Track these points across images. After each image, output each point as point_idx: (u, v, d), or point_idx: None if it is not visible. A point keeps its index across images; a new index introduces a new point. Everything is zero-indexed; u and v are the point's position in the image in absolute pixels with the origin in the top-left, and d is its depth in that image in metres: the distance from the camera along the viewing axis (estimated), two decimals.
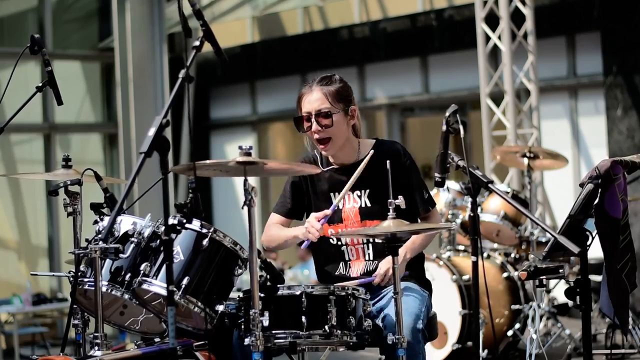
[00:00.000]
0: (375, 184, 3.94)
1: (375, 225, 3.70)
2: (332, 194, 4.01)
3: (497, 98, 9.19)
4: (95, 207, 3.94)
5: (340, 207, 3.99)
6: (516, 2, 9.05)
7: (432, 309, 3.97)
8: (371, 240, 3.96)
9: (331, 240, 4.02)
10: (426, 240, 4.01)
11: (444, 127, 3.53)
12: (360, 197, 3.98)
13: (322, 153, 4.08)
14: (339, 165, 4.05)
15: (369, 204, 3.96)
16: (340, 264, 4.02)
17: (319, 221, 3.84)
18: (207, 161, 3.42)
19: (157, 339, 3.93)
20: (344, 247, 4.01)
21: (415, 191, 3.97)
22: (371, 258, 3.98)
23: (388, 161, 3.64)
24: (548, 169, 8.48)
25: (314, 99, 3.96)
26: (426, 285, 4.05)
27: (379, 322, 3.74)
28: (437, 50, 10.70)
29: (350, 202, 3.99)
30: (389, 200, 3.58)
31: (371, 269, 3.97)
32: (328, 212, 3.87)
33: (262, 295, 3.45)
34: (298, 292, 3.50)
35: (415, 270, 4.04)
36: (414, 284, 3.97)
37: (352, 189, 3.98)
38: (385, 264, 3.87)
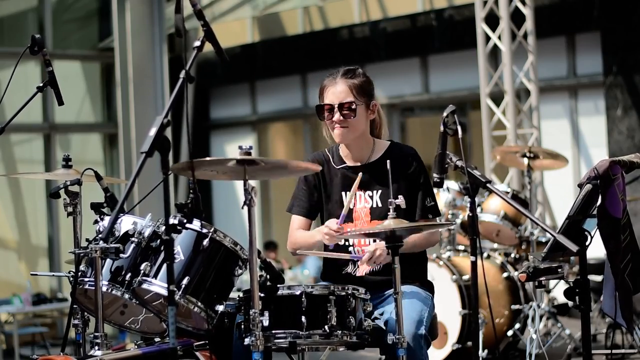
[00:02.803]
0: (387, 185, 3.94)
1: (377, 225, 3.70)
2: (343, 193, 4.02)
3: (497, 98, 9.19)
4: (96, 207, 3.94)
5: (351, 206, 4.00)
6: (516, 2, 9.05)
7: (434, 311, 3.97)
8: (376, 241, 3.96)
9: (339, 241, 4.02)
10: (422, 241, 3.98)
11: (442, 128, 3.54)
12: (371, 197, 3.99)
13: (334, 150, 4.08)
14: (352, 163, 4.05)
15: (380, 204, 3.97)
16: (349, 263, 4.02)
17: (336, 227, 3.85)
18: (207, 158, 3.40)
19: (157, 339, 3.94)
20: (351, 248, 4.02)
21: (419, 196, 3.96)
22: None
23: (388, 161, 3.65)
24: (548, 169, 8.48)
25: (339, 90, 3.97)
26: (429, 287, 4.05)
27: (381, 324, 3.73)
28: (437, 50, 10.70)
29: (361, 201, 4.00)
30: (389, 200, 3.59)
31: (376, 269, 3.97)
32: (339, 221, 3.87)
33: (262, 295, 3.45)
34: (298, 292, 3.50)
35: (418, 272, 4.03)
36: (417, 287, 3.96)
37: (364, 189, 3.99)
38: (373, 246, 3.85)
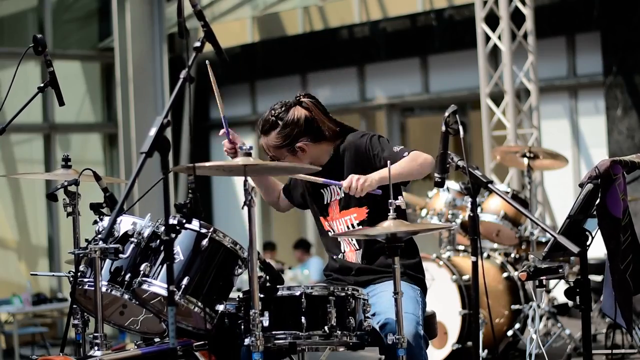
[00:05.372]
0: (342, 175, 3.94)
1: (375, 226, 3.69)
2: (322, 190, 4.07)
3: (497, 98, 9.19)
4: (95, 207, 3.94)
5: (328, 201, 4.05)
6: (516, 2, 9.05)
7: (426, 308, 3.96)
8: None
9: (330, 233, 4.08)
10: (410, 169, 3.83)
11: (443, 128, 3.53)
12: (340, 188, 4.01)
13: None
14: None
15: (343, 194, 3.99)
16: (340, 252, 4.07)
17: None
18: (207, 163, 3.41)
19: (157, 339, 3.94)
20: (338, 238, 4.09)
21: (384, 153, 3.89)
22: (357, 247, 4.02)
23: (389, 161, 3.65)
24: (548, 169, 8.47)
25: (264, 144, 4.14)
26: (418, 282, 3.99)
27: (374, 324, 3.72)
28: (437, 50, 10.70)
29: (334, 194, 4.05)
30: (390, 201, 3.58)
31: (364, 264, 4.00)
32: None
33: (262, 295, 3.45)
34: (298, 293, 3.50)
35: (405, 266, 3.94)
36: (405, 282, 3.88)
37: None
38: (349, 177, 3.83)
